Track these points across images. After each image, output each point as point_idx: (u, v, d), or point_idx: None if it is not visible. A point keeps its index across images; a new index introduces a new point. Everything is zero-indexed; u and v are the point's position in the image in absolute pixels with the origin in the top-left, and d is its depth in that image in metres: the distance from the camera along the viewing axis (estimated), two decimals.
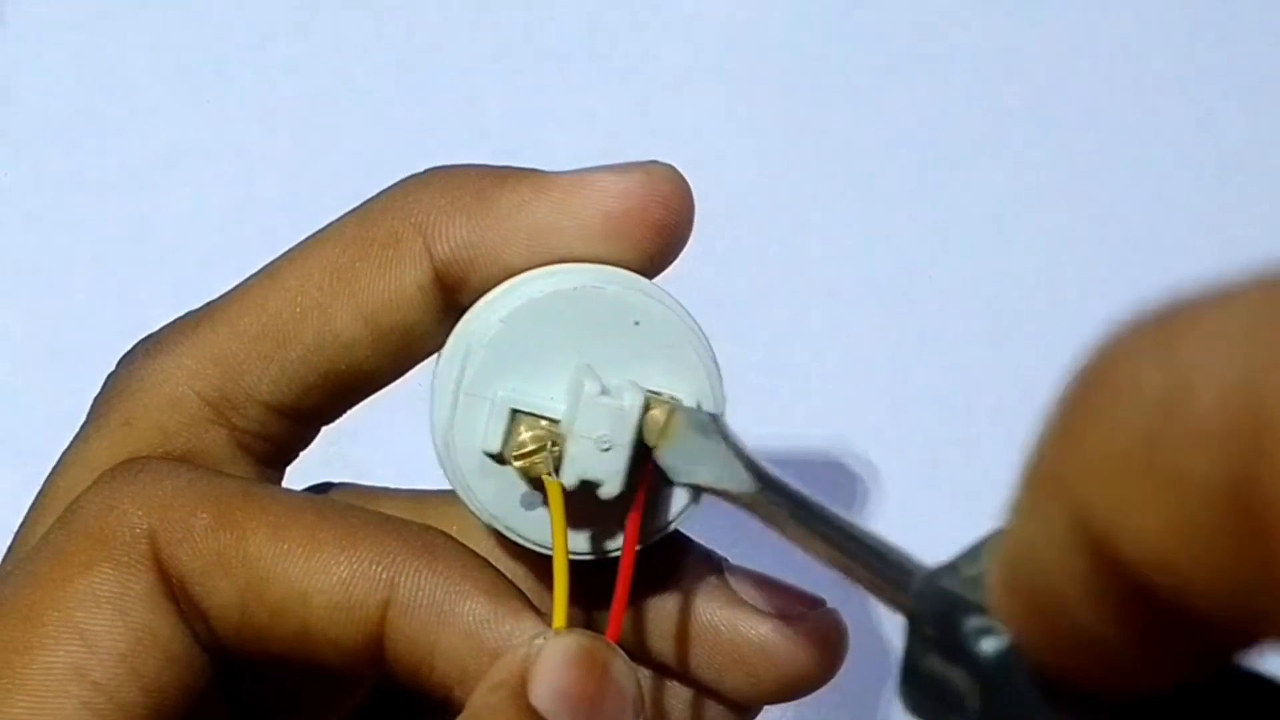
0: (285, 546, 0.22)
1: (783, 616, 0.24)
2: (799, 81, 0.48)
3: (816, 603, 0.25)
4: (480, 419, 0.22)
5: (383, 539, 0.22)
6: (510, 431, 0.22)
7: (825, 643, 0.24)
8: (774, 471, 0.21)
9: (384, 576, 0.22)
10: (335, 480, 0.27)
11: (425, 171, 0.25)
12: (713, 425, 0.22)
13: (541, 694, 0.20)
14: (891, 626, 0.41)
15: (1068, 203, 0.46)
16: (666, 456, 0.22)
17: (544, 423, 0.22)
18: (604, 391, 0.22)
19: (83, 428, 0.25)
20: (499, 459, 0.23)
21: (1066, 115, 0.47)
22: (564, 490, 0.22)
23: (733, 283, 0.44)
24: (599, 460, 0.22)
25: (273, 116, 0.47)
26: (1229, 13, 0.48)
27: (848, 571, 0.18)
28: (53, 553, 0.22)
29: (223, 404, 0.24)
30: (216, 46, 0.47)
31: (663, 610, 0.25)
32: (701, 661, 0.24)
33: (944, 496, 0.43)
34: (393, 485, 0.27)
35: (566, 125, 0.47)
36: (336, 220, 0.25)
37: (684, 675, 0.25)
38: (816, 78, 0.48)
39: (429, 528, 0.23)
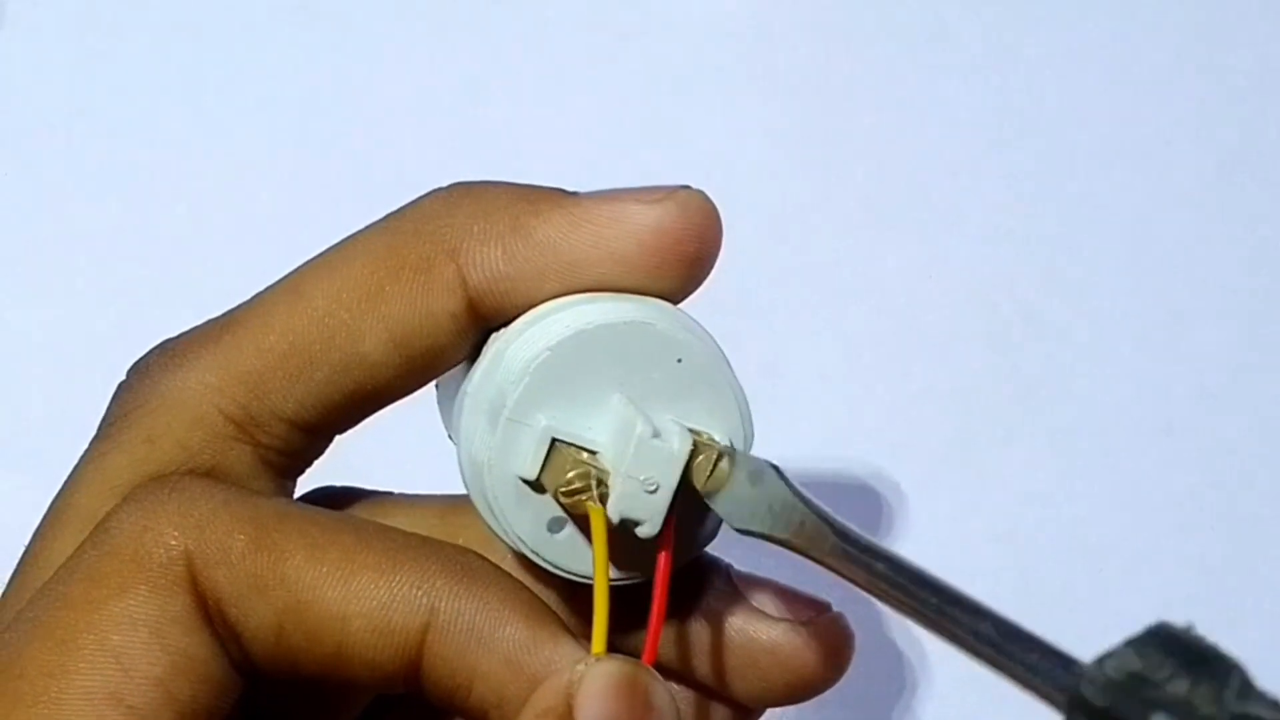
0: (323, 569, 0.22)
1: (791, 621, 0.25)
2: (800, 84, 0.48)
3: (823, 607, 0.25)
4: (520, 446, 0.22)
5: (423, 562, 0.22)
6: (549, 460, 0.22)
7: (834, 645, 0.25)
8: (850, 527, 0.21)
9: (424, 601, 0.22)
10: (336, 484, 0.26)
11: (451, 189, 0.24)
12: (769, 473, 0.22)
13: None
14: (892, 631, 0.41)
15: (1070, 203, 0.46)
16: (722, 503, 0.22)
17: (584, 454, 0.22)
18: (655, 434, 0.22)
19: (98, 440, 0.24)
20: (535, 485, 0.23)
21: (1070, 115, 0.47)
22: (607, 518, 0.22)
23: (734, 285, 0.44)
24: (644, 501, 0.22)
25: (273, 117, 0.47)
26: (1229, 13, 0.48)
27: (955, 639, 0.18)
28: (87, 574, 0.22)
29: (247, 422, 0.23)
30: (216, 46, 0.47)
31: (672, 617, 0.25)
32: (712, 665, 0.25)
33: (951, 502, 0.43)
34: (389, 487, 0.27)
35: (568, 127, 0.47)
36: (361, 234, 0.24)
37: (694, 679, 0.25)
38: (818, 81, 0.47)
39: (465, 549, 0.23)
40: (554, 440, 0.22)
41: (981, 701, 0.41)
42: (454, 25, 0.48)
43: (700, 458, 0.22)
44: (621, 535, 0.23)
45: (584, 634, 0.23)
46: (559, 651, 0.22)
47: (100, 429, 0.24)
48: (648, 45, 0.48)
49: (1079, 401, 0.44)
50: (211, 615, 0.22)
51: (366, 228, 0.24)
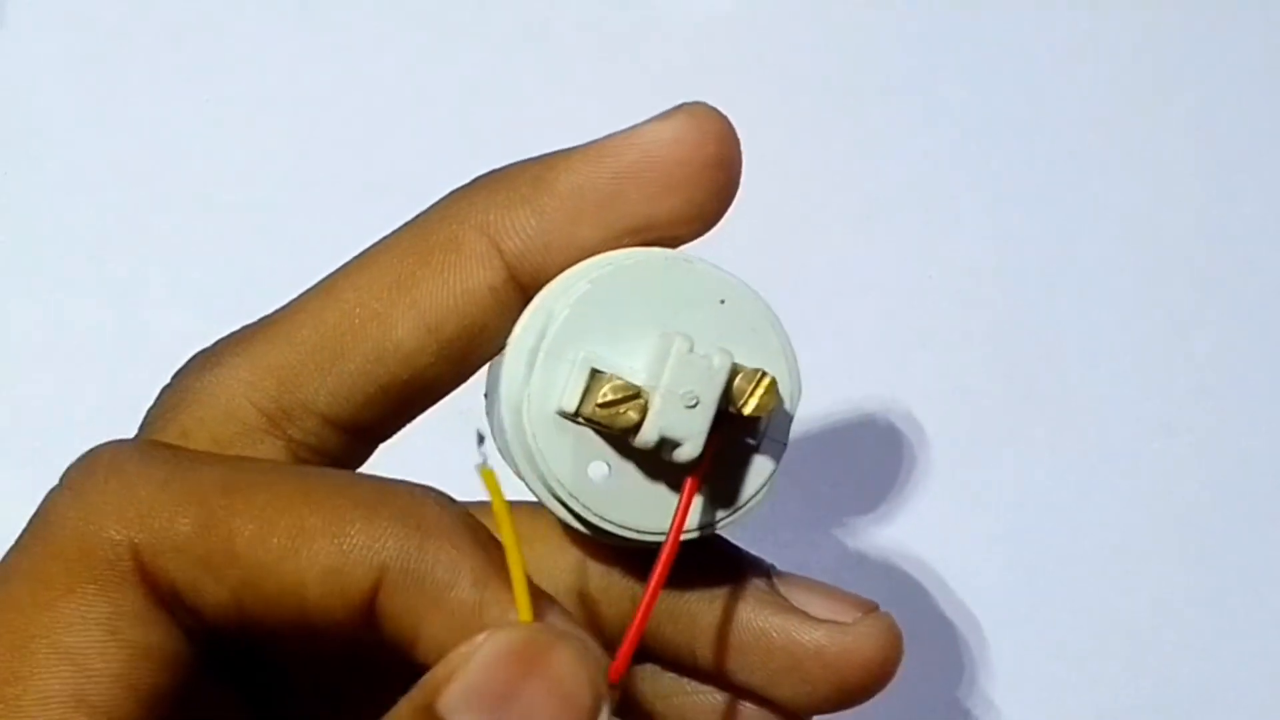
0: (275, 541, 0.21)
1: (836, 622, 0.24)
2: (799, 84, 0.48)
3: (870, 606, 0.25)
4: (559, 378, 0.22)
5: (373, 520, 0.21)
6: (588, 393, 0.22)
7: (881, 648, 0.24)
8: None
9: (374, 561, 0.21)
10: None
11: (472, 180, 0.24)
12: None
13: (451, 698, 0.19)
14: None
15: (1070, 203, 0.46)
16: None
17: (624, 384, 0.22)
18: (693, 349, 0.21)
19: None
20: (574, 418, 0.22)
21: (1071, 115, 0.47)
22: (496, 475, 0.21)
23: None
24: (683, 417, 0.21)
25: (272, 118, 0.47)
26: (1229, 13, 0.48)
27: None
28: (32, 575, 0.21)
29: (279, 415, 0.23)
30: (216, 46, 0.47)
31: (713, 618, 0.24)
32: (754, 670, 0.24)
33: (951, 502, 0.43)
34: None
35: (567, 127, 0.47)
36: (390, 233, 0.24)
37: (736, 684, 0.25)
38: (816, 81, 0.47)
39: (423, 501, 0.22)
40: (593, 370, 0.22)
41: (1039, 703, 0.40)
42: (454, 25, 0.48)
43: (739, 377, 0.22)
44: (661, 480, 0.22)
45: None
46: (505, 616, 0.21)
47: (140, 430, 0.24)
48: (647, 45, 0.48)
49: (1079, 401, 0.44)
50: (166, 600, 0.21)
51: (398, 227, 0.24)
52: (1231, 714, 0.41)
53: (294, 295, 0.44)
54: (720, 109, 0.23)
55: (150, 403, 0.43)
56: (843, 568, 0.42)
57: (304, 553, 0.21)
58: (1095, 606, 0.41)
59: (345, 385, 0.23)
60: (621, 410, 0.21)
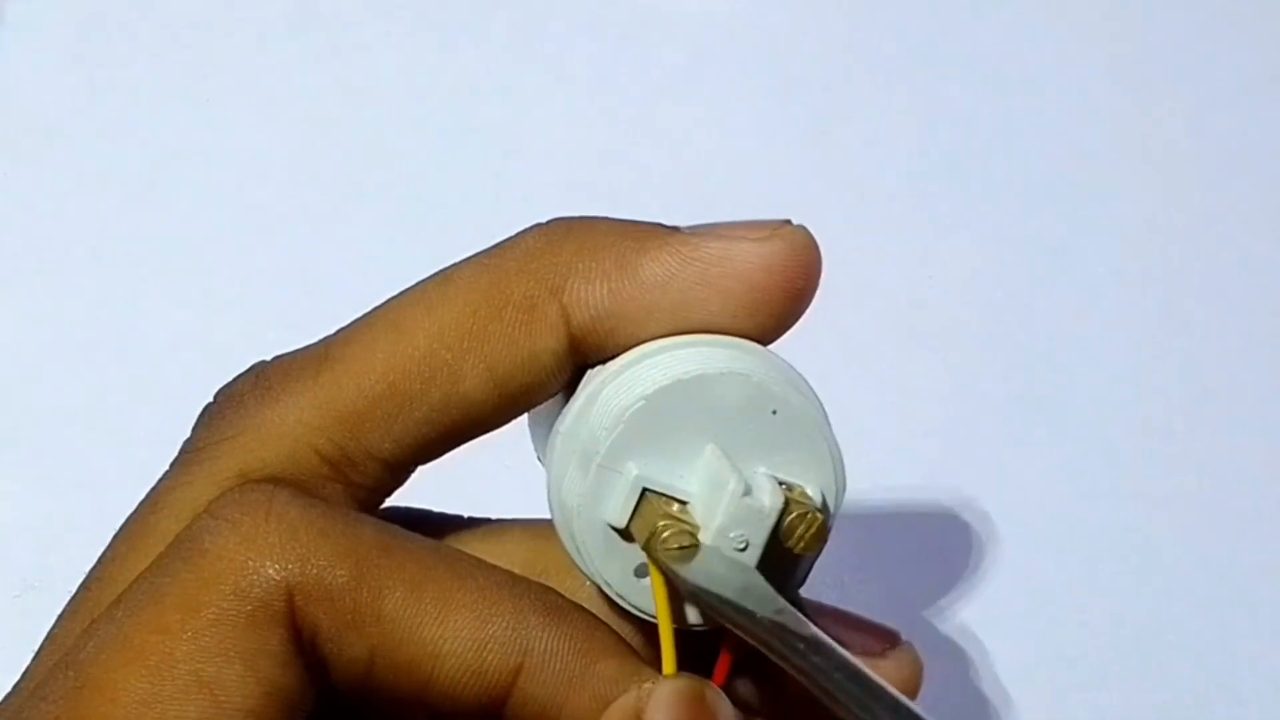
0: (421, 607, 0.22)
1: (868, 653, 0.24)
2: (798, 84, 0.48)
3: (894, 637, 0.25)
4: (610, 493, 0.22)
5: (518, 602, 0.22)
6: (638, 510, 0.22)
7: (911, 676, 0.25)
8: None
9: (519, 643, 0.22)
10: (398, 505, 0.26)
11: (552, 225, 0.24)
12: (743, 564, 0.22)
13: None
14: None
15: (1070, 203, 0.46)
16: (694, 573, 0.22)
17: (675, 505, 0.22)
18: (747, 491, 0.22)
19: (186, 465, 0.24)
20: (623, 533, 0.23)
21: (1070, 115, 0.47)
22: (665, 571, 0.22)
23: None
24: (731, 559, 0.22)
25: (272, 117, 0.47)
26: (1229, 13, 0.48)
27: None
28: (182, 600, 0.21)
29: (343, 461, 0.23)
30: (216, 47, 0.47)
31: (744, 650, 0.24)
32: (784, 700, 0.25)
33: (950, 502, 0.43)
34: (435, 499, 0.26)
35: (565, 126, 0.47)
36: (460, 269, 0.24)
37: (765, 713, 0.25)
38: (816, 80, 0.48)
39: (550, 589, 0.23)
40: (644, 490, 0.22)
41: (1039, 704, 0.40)
42: (454, 25, 0.48)
43: (793, 515, 0.22)
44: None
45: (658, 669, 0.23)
46: (645, 681, 0.22)
47: (187, 452, 0.24)
48: (647, 44, 0.48)
49: (1079, 402, 0.44)
50: (304, 647, 0.22)
51: (465, 263, 0.24)
52: (1232, 715, 0.41)
53: (291, 295, 0.44)
54: (812, 234, 0.23)
55: (149, 403, 0.43)
56: (842, 569, 0.42)
57: (449, 623, 0.22)
58: (1095, 607, 0.41)
59: (410, 432, 0.23)
60: (672, 554, 0.22)
